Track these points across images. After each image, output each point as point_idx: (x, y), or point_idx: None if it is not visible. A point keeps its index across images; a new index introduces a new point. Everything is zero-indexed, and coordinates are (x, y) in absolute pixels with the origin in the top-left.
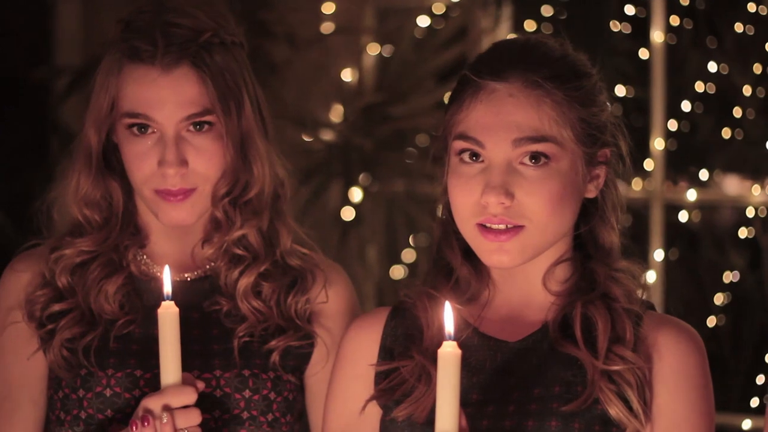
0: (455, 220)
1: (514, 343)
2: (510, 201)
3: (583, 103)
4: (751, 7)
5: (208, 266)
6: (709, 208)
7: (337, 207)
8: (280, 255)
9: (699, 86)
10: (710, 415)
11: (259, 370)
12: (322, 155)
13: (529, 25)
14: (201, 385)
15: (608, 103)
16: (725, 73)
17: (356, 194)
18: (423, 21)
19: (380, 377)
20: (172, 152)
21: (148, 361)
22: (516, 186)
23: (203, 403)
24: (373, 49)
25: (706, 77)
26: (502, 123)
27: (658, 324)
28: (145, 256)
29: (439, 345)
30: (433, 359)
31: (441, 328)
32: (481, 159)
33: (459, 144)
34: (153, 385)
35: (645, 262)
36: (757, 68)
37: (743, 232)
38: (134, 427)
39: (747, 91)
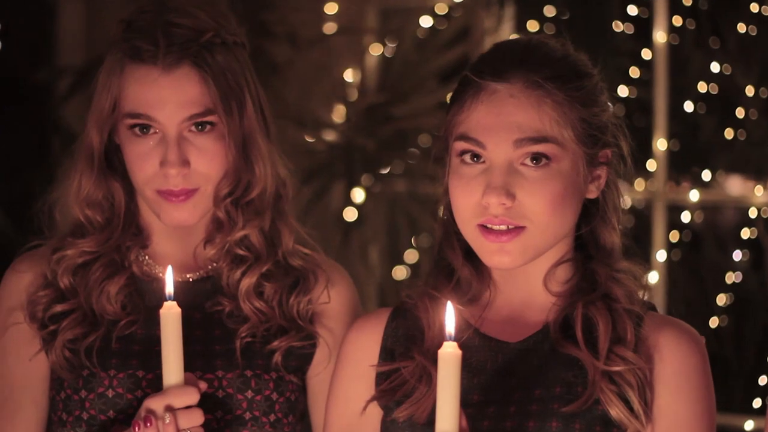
0: (456, 220)
1: (515, 343)
2: (511, 202)
3: (584, 104)
4: (754, 8)
5: (210, 267)
6: (711, 209)
7: (339, 207)
8: (282, 255)
9: (702, 86)
10: (711, 415)
11: (262, 370)
12: (324, 155)
13: (532, 26)
14: (203, 385)
15: (609, 104)
16: (728, 73)
17: (358, 195)
18: (425, 21)
19: (381, 378)
20: (174, 152)
21: (150, 361)
22: (517, 187)
23: (205, 403)
24: (376, 50)
25: (709, 77)
26: (503, 124)
27: (659, 325)
28: (147, 257)
29: (440, 346)
30: (434, 360)
31: (442, 328)
32: (482, 160)
33: (460, 145)
34: (155, 385)
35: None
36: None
37: (746, 233)
38: (137, 428)
39: (750, 91)
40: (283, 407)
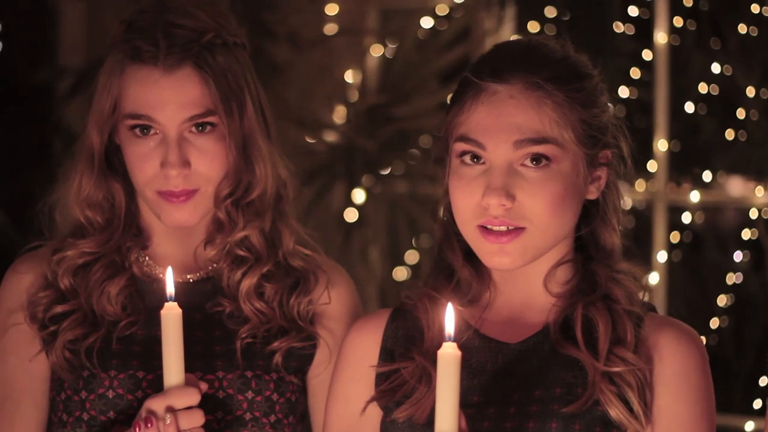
0: (456, 221)
1: (514, 344)
2: (511, 203)
3: (584, 105)
4: (755, 9)
5: (210, 267)
6: (712, 210)
7: (340, 208)
8: (282, 256)
9: (702, 87)
10: (711, 416)
11: (262, 371)
12: (325, 156)
13: (533, 26)
14: (204, 386)
15: (609, 105)
16: (729, 74)
17: (359, 195)
18: (426, 22)
19: (381, 378)
20: (174, 153)
21: (150, 362)
22: (517, 188)
23: (206, 404)
24: (376, 50)
25: (710, 78)
26: (503, 125)
27: (658, 325)
28: (147, 258)
29: (440, 346)
30: (434, 361)
31: (441, 329)
32: (482, 161)
33: (460, 146)
34: (155, 386)
35: (647, 264)
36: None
37: (746, 234)
38: (137, 429)
39: (750, 92)
40: (283, 408)
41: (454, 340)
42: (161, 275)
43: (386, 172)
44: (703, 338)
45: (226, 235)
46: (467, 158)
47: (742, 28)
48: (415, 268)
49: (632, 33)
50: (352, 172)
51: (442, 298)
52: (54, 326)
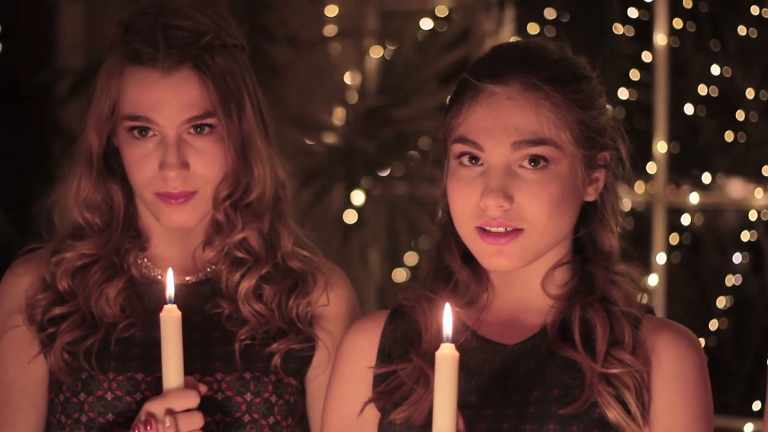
0: (454, 223)
1: (512, 346)
2: (509, 204)
3: (582, 106)
4: (755, 10)
5: (209, 269)
6: (711, 212)
7: (339, 210)
8: (281, 258)
9: (702, 89)
10: (709, 418)
11: (261, 373)
12: (324, 158)
13: (532, 28)
14: (203, 388)
15: (608, 106)
16: (728, 76)
17: (358, 197)
18: (426, 23)
19: (378, 380)
20: (173, 155)
21: (149, 364)
22: (515, 189)
23: (205, 406)
24: (376, 52)
25: (709, 80)
26: (501, 126)
27: (656, 327)
28: (146, 260)
29: (438, 348)
30: (432, 362)
31: (439, 330)
32: (480, 162)
33: (458, 147)
34: (154, 388)
35: (646, 266)
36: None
37: (746, 236)
38: (137, 431)
39: (750, 94)
40: (282, 410)
41: (451, 342)
42: (160, 277)
43: (385, 173)
44: (702, 340)
45: (224, 236)
46: (465, 159)
47: (742, 30)
48: (414, 270)
49: (632, 35)
50: (352, 173)
51: (440, 299)
52: (52, 328)
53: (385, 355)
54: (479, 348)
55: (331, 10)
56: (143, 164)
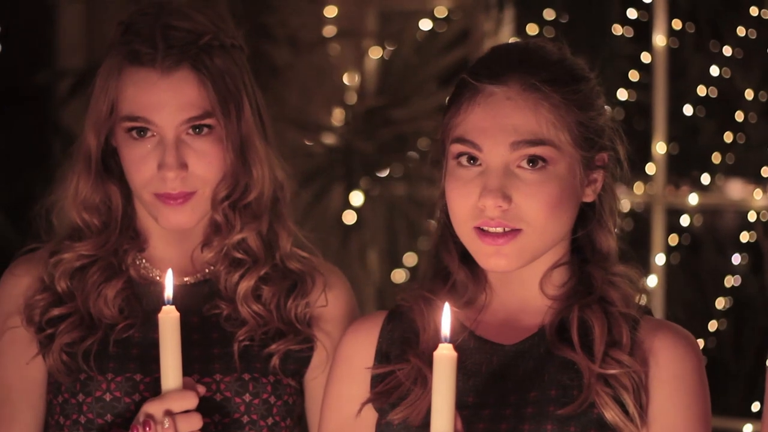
0: (453, 223)
1: (510, 346)
2: (507, 204)
3: (581, 107)
4: (754, 11)
5: (207, 270)
6: (710, 212)
7: (338, 210)
8: (279, 258)
9: (701, 90)
10: (707, 419)
11: (259, 374)
12: (324, 158)
13: (531, 29)
14: (202, 389)
15: (606, 107)
16: (727, 76)
17: (357, 198)
18: (425, 24)
19: (376, 380)
20: (171, 155)
21: (148, 365)
22: (513, 189)
23: (203, 407)
24: (375, 53)
25: (708, 81)
26: (500, 126)
27: (654, 328)
28: (144, 260)
29: (435, 348)
30: (429, 362)
31: (437, 331)
32: (478, 162)
33: (456, 147)
34: (153, 389)
35: (645, 267)
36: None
37: (745, 236)
38: None
39: (749, 94)
40: (280, 410)
41: (449, 342)
42: (158, 278)
43: (384, 174)
44: (702, 341)
45: (223, 237)
46: (464, 160)
47: (741, 31)
48: (413, 271)
49: (631, 35)
50: (351, 174)
51: (438, 299)
52: (51, 329)
53: (382, 356)
54: (477, 348)
55: (331, 11)
56: (142, 165)
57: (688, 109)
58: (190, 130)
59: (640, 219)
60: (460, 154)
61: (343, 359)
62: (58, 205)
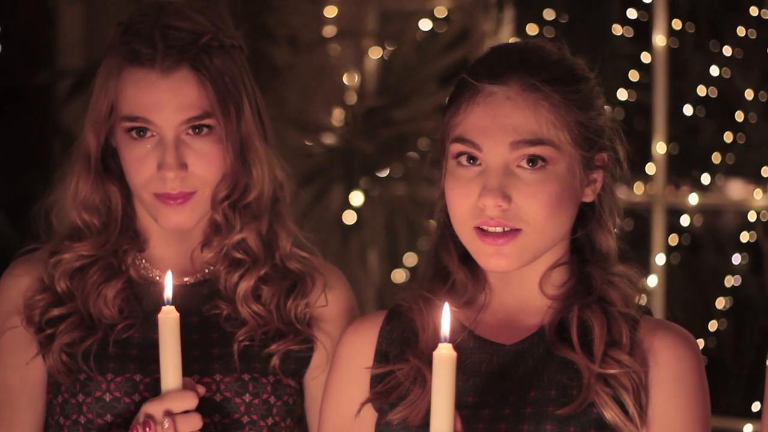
0: (452, 223)
1: (510, 346)
2: (507, 204)
3: (580, 107)
4: (754, 11)
5: (207, 270)
6: (711, 213)
7: (338, 210)
8: (279, 258)
9: (701, 90)
10: (706, 419)
11: (259, 374)
12: (324, 159)
13: (531, 29)
14: (202, 390)
15: (606, 107)
16: (727, 76)
17: (357, 198)
18: (425, 24)
19: (376, 380)
20: (171, 155)
21: (147, 365)
22: (513, 189)
23: (203, 407)
24: (375, 53)
25: (708, 81)
26: (500, 126)
27: (654, 328)
28: (144, 260)
29: (435, 348)
30: (429, 362)
31: (436, 331)
32: (478, 162)
33: (456, 147)
34: (153, 389)
35: (645, 267)
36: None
37: (745, 236)
38: None
39: (749, 95)
40: (280, 411)
41: (449, 342)
42: (158, 278)
43: (384, 174)
44: (702, 341)
45: (223, 237)
46: (463, 159)
47: (741, 31)
48: (413, 271)
49: (631, 35)
50: (351, 174)
51: (437, 299)
52: (51, 329)
53: (382, 356)
54: (476, 348)
55: (331, 11)
56: (141, 165)
57: (688, 109)
58: (190, 131)
59: (640, 219)
60: (459, 154)
61: (343, 359)
62: (57, 205)
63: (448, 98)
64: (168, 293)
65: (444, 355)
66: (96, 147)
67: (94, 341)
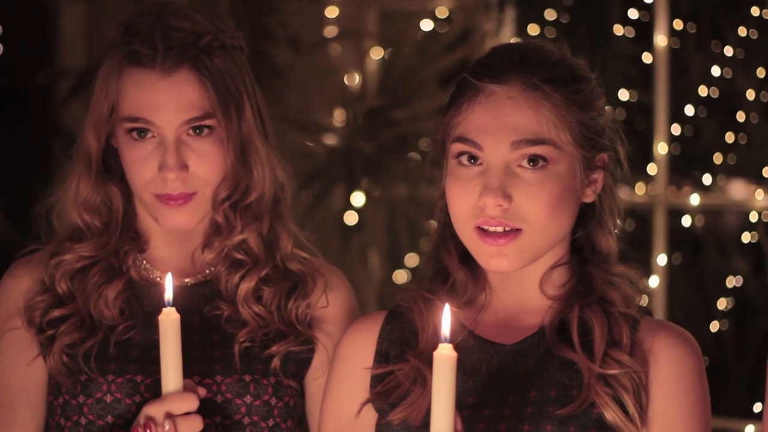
0: (453, 223)
1: (510, 346)
2: (508, 203)
3: (581, 107)
4: (755, 11)
5: (208, 271)
6: (712, 213)
7: (340, 211)
8: (280, 259)
9: (702, 90)
10: (706, 419)
11: (260, 375)
12: (325, 159)
13: (533, 29)
14: (202, 391)
15: (607, 108)
16: (729, 77)
17: (358, 198)
18: (426, 25)
19: (376, 380)
20: (172, 156)
21: (148, 366)
22: (514, 188)
23: (204, 408)
24: (376, 53)
25: (710, 81)
26: (501, 125)
27: (654, 328)
28: (145, 261)
29: (435, 348)
30: (429, 362)
31: (436, 331)
32: (479, 162)
33: (457, 147)
34: (153, 390)
35: (647, 267)
36: (761, 72)
37: (746, 237)
38: None
39: (750, 95)
40: (281, 412)
41: (449, 342)
42: (159, 279)
43: (385, 175)
44: (703, 341)
45: (224, 238)
46: (464, 159)
47: (742, 31)
48: (414, 271)
49: (632, 36)
50: (352, 175)
51: (437, 299)
52: (51, 330)
53: (382, 356)
54: (477, 348)
55: (332, 11)
56: (142, 166)
57: (689, 110)
58: (191, 131)
59: (641, 219)
60: (460, 154)
61: (343, 359)
62: (58, 206)
63: (448, 98)
64: (168, 295)
65: (444, 356)
66: (97, 148)
67: (95, 342)
